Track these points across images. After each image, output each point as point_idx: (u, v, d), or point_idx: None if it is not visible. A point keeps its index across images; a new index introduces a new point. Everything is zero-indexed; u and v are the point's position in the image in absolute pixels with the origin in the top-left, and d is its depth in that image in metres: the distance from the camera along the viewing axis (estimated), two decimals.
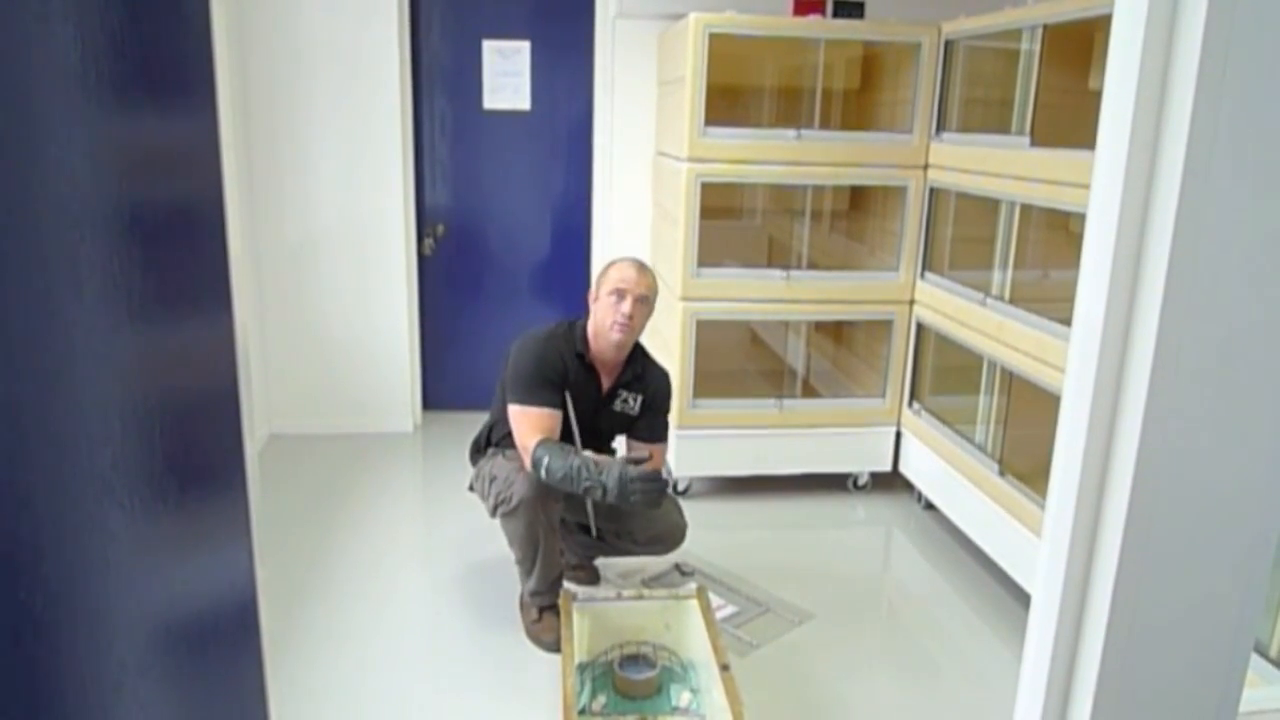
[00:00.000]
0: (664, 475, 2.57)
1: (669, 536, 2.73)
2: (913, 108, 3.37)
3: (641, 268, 2.60)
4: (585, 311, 2.66)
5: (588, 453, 2.47)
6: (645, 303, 2.58)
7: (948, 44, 3.29)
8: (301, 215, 3.97)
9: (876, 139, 3.45)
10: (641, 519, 2.67)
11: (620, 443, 2.79)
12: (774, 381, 3.95)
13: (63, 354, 0.64)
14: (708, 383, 3.52)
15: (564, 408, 2.54)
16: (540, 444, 2.42)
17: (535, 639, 2.59)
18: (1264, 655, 2.03)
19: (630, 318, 2.53)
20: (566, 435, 2.56)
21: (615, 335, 2.54)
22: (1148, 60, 0.99)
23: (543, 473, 2.38)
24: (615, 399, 2.66)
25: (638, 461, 2.45)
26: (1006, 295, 2.94)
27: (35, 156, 0.60)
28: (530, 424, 2.48)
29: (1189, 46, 0.96)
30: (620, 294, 2.52)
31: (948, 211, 3.37)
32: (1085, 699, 1.14)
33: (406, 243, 4.08)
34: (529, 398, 2.50)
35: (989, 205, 3.06)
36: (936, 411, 3.44)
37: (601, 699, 2.25)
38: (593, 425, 2.66)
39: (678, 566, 3.03)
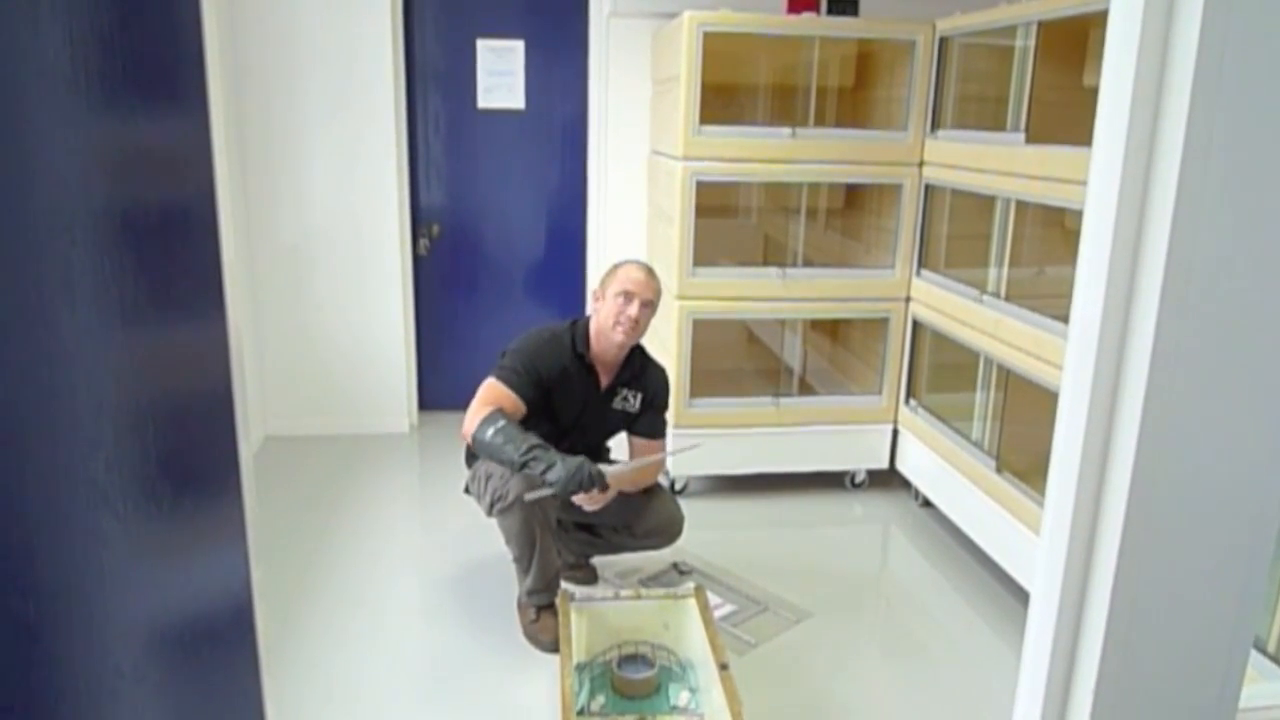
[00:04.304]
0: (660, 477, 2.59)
1: (667, 529, 2.74)
2: (907, 105, 3.36)
3: (650, 272, 2.63)
4: (585, 312, 2.66)
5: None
6: (650, 307, 2.61)
7: (942, 41, 3.29)
8: (295, 216, 3.96)
9: (871, 136, 3.44)
10: (640, 512, 2.68)
11: (620, 441, 2.79)
12: (771, 380, 3.95)
13: (55, 358, 0.63)
14: (705, 382, 3.52)
15: (538, 410, 2.56)
16: (498, 410, 2.44)
17: (533, 639, 2.59)
18: (1263, 651, 2.04)
19: (636, 321, 2.57)
20: (556, 438, 2.57)
21: (619, 336, 2.57)
22: (1144, 56, 0.99)
23: (489, 431, 2.38)
24: (614, 397, 2.67)
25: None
26: (1002, 292, 2.94)
27: (26, 159, 0.60)
28: (494, 396, 2.49)
29: (1185, 42, 0.96)
30: (628, 296, 2.55)
31: (943, 209, 3.37)
32: (1085, 695, 1.14)
33: (401, 243, 4.07)
34: (509, 377, 2.52)
35: (984, 202, 3.06)
36: (933, 409, 3.44)
37: (600, 699, 2.25)
38: (591, 423, 2.67)
39: (675, 565, 3.03)
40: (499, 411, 2.44)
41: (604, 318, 2.59)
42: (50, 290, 0.62)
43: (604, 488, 2.42)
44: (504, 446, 2.37)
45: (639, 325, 2.59)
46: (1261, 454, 1.07)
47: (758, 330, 4.19)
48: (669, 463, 3.48)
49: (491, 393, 2.51)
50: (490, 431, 2.39)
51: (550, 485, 2.36)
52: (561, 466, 2.34)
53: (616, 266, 2.66)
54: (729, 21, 3.20)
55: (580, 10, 4.02)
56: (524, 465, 2.36)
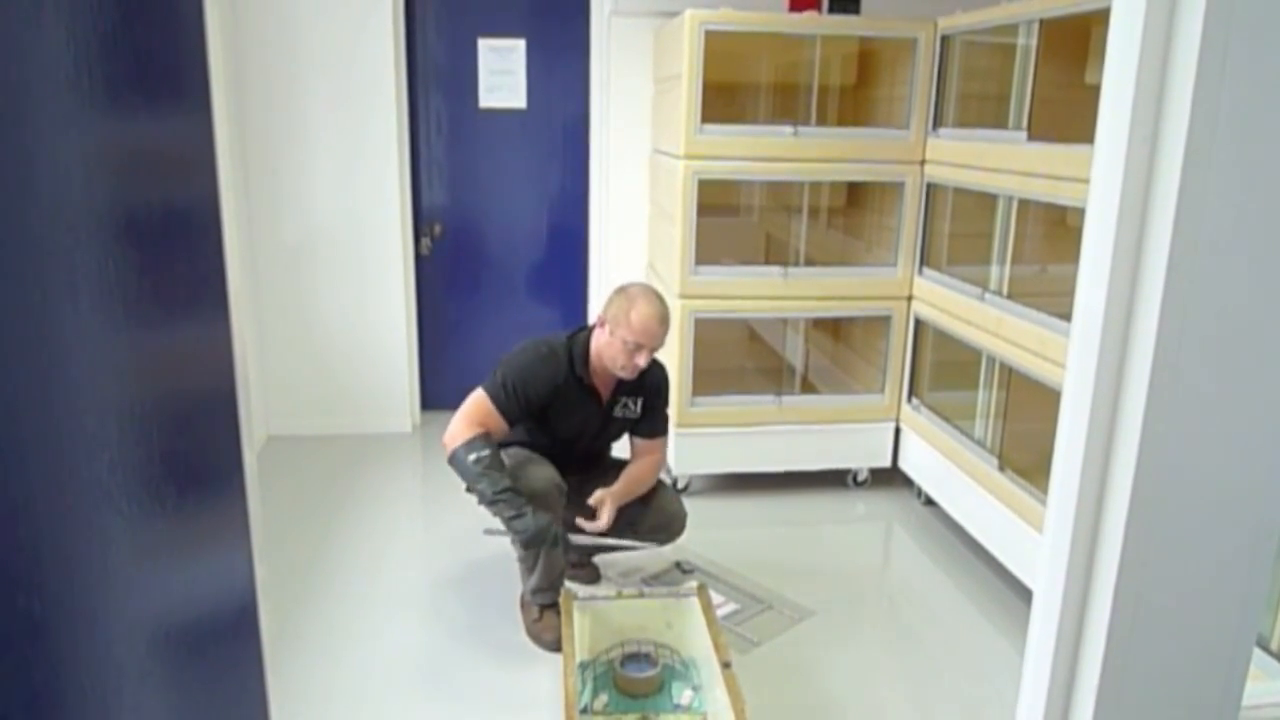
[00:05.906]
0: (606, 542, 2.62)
1: (670, 525, 2.74)
2: (909, 103, 3.36)
3: (664, 317, 2.54)
4: (587, 326, 2.64)
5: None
6: (658, 349, 2.59)
7: (944, 39, 3.29)
8: (298, 216, 3.97)
9: (873, 135, 3.44)
10: (643, 509, 2.68)
11: (623, 443, 2.80)
12: (773, 378, 3.95)
13: (59, 358, 0.63)
14: (707, 380, 3.52)
15: (537, 425, 2.58)
16: (486, 434, 2.43)
17: (536, 638, 2.59)
18: (1266, 649, 2.03)
19: (641, 366, 2.55)
20: (558, 450, 2.59)
21: (625, 375, 2.57)
22: (1147, 53, 0.98)
23: (471, 457, 2.38)
24: (615, 406, 2.67)
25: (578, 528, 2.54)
26: (1004, 290, 2.94)
27: (29, 160, 0.60)
28: (482, 416, 2.48)
29: (1188, 39, 0.96)
30: (639, 347, 2.50)
31: (945, 207, 3.37)
32: (1088, 694, 1.14)
33: (403, 242, 4.07)
34: (498, 395, 2.50)
35: (986, 200, 3.06)
36: (935, 407, 3.44)
37: (603, 698, 2.25)
38: (592, 434, 2.67)
39: (678, 564, 3.03)
40: (486, 436, 2.43)
41: (610, 356, 2.53)
42: (54, 290, 0.62)
43: (568, 549, 2.50)
44: (480, 478, 2.38)
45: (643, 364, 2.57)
46: (1265, 451, 1.07)
47: (760, 329, 4.19)
48: (672, 460, 3.48)
49: (480, 410, 2.49)
50: (472, 458, 2.39)
51: (516, 534, 2.39)
52: (531, 519, 2.36)
53: (631, 304, 2.49)
54: (730, 20, 3.20)
55: (582, 9, 4.02)
56: (494, 503, 2.38)
